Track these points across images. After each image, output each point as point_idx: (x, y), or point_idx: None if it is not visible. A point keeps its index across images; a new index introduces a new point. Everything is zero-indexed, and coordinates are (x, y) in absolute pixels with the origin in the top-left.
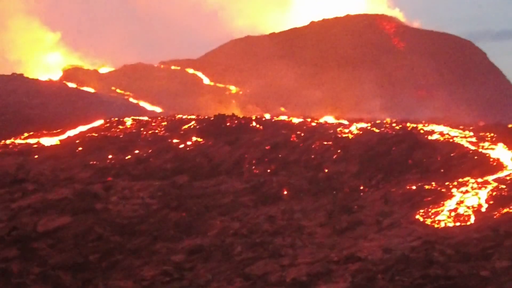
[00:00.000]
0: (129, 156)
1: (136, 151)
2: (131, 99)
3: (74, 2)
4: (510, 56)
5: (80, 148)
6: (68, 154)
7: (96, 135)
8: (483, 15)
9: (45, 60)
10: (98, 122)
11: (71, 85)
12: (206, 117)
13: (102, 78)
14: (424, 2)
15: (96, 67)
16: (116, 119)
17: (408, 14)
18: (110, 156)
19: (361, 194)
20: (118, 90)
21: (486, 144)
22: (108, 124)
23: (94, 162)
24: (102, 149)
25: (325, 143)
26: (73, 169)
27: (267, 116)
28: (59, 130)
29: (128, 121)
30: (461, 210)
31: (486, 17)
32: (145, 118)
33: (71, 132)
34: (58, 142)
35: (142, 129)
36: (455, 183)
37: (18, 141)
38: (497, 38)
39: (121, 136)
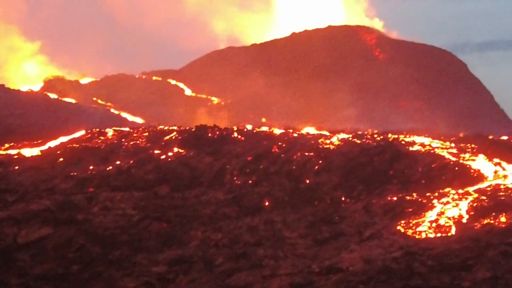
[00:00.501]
0: (111, 167)
1: (118, 162)
2: (112, 110)
3: (53, 12)
4: (490, 67)
5: (61, 159)
6: (49, 165)
7: (77, 146)
8: (463, 27)
9: (24, 70)
10: (79, 133)
11: (52, 95)
12: (187, 128)
13: (83, 88)
14: (405, 14)
15: (77, 77)
16: (97, 130)
17: (388, 25)
18: (91, 167)
19: (343, 205)
20: (99, 101)
21: (467, 155)
22: (89, 135)
23: (75, 173)
24: (83, 160)
25: (307, 154)
26: (54, 180)
27: (249, 127)
28: (40, 141)
29: (109, 132)
30: (442, 221)
31: (466, 28)
32: (126, 129)
33: (52, 143)
34: (39, 153)
35: (123, 140)
36: (436, 194)
37: None
38: (477, 50)
39: (102, 147)
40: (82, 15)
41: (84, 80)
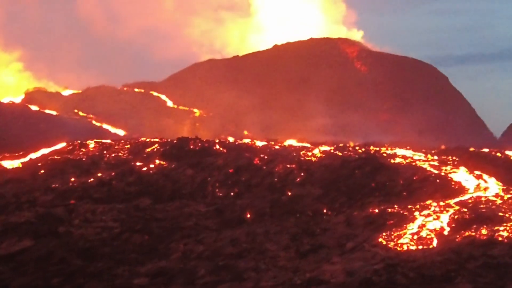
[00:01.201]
0: (92, 179)
1: (99, 174)
2: (94, 122)
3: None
4: (471, 80)
5: (42, 171)
6: (30, 177)
7: (59, 158)
8: (445, 40)
9: (4, 81)
10: (61, 145)
11: (34, 107)
12: (169, 140)
13: (65, 100)
14: (387, 27)
15: (58, 89)
16: (79, 142)
17: (370, 38)
18: (72, 179)
19: (324, 217)
20: (81, 113)
21: (448, 168)
22: (70, 147)
23: (57, 185)
24: (64, 172)
25: (288, 166)
26: (35, 192)
27: (231, 139)
28: (21, 153)
29: (91, 144)
30: (423, 233)
31: (447, 41)
32: (108, 141)
33: (34, 155)
34: (20, 165)
35: (105, 152)
36: (418, 206)
37: None
38: (459, 63)
39: (83, 159)
40: (64, 26)
41: (66, 92)
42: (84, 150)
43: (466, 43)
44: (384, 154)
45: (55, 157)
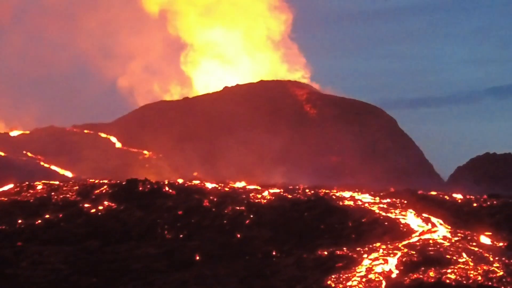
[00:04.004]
0: (40, 221)
1: (47, 216)
2: (42, 163)
3: None
4: (420, 123)
5: None
6: None
7: (6, 199)
8: (394, 83)
9: None
10: (8, 186)
11: None
12: (118, 181)
13: (13, 141)
14: (336, 70)
15: (6, 130)
16: (27, 183)
17: (319, 81)
18: (20, 221)
19: (274, 259)
20: (29, 154)
21: (397, 210)
22: (18, 188)
23: (4, 227)
24: (12, 214)
25: (238, 208)
26: None
27: (180, 180)
28: None
29: (39, 185)
30: (372, 275)
31: (396, 85)
32: (57, 182)
33: None
34: None
35: (53, 193)
36: (366, 248)
37: None
38: (408, 106)
39: (31, 201)
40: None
41: (14, 133)
42: (32, 191)
43: (415, 86)
44: (333, 197)
45: (2, 198)
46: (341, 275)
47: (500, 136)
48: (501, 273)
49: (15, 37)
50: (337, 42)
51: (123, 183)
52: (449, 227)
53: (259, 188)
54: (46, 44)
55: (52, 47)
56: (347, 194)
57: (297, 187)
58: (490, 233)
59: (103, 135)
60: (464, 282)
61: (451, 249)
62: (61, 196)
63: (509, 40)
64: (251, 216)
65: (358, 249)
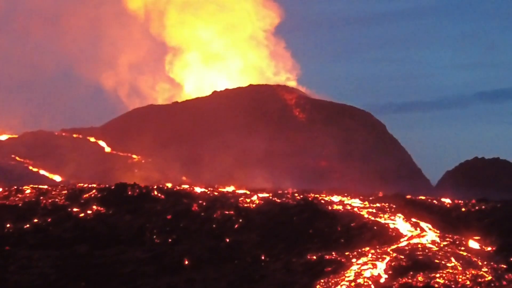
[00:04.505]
0: (28, 225)
1: (35, 220)
2: (30, 167)
3: None
4: (408, 128)
5: None
6: None
7: None
8: (383, 88)
9: None
10: None
11: None
12: (107, 185)
13: (1, 145)
14: (325, 74)
15: None
16: (15, 187)
17: (309, 85)
18: (8, 225)
19: (263, 263)
20: (17, 158)
21: (386, 215)
22: (6, 193)
23: None
24: (0, 218)
25: (227, 212)
26: None
27: (169, 185)
28: None
29: (27, 190)
30: (360, 280)
31: (386, 89)
32: (45, 186)
33: None
34: None
35: (41, 197)
36: (355, 253)
37: None
38: (397, 111)
39: (20, 205)
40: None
41: (2, 137)
42: (20, 195)
43: (403, 91)
44: (322, 201)
45: None
46: (330, 280)
47: (488, 140)
48: (490, 277)
49: (0, 40)
50: (325, 46)
51: (112, 187)
52: (438, 231)
53: (248, 192)
54: (32, 46)
55: (38, 50)
56: (336, 198)
57: (286, 191)
58: (478, 238)
59: (92, 139)
60: (453, 286)
61: (440, 253)
62: (50, 200)
63: (497, 45)
64: (240, 220)
65: (347, 253)
